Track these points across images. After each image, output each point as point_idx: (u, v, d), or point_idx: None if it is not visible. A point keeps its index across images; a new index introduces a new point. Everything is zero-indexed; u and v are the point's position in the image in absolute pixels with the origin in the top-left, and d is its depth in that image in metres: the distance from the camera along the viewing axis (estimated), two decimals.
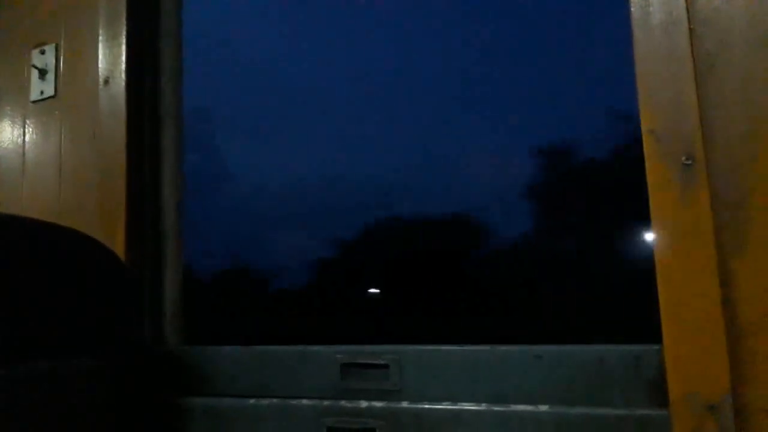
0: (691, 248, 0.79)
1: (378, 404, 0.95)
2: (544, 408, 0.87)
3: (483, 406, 0.90)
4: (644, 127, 0.84)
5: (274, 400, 1.01)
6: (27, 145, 1.32)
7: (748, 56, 0.81)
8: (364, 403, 0.96)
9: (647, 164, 0.83)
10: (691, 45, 0.83)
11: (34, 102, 1.33)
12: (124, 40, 1.24)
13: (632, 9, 0.87)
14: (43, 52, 1.33)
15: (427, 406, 0.93)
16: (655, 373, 0.83)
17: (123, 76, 1.22)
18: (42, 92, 1.32)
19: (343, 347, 1.01)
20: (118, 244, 1.15)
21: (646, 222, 0.85)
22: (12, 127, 1.35)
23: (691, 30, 0.83)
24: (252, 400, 1.03)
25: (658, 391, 0.82)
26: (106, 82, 1.23)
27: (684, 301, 0.79)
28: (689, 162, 0.81)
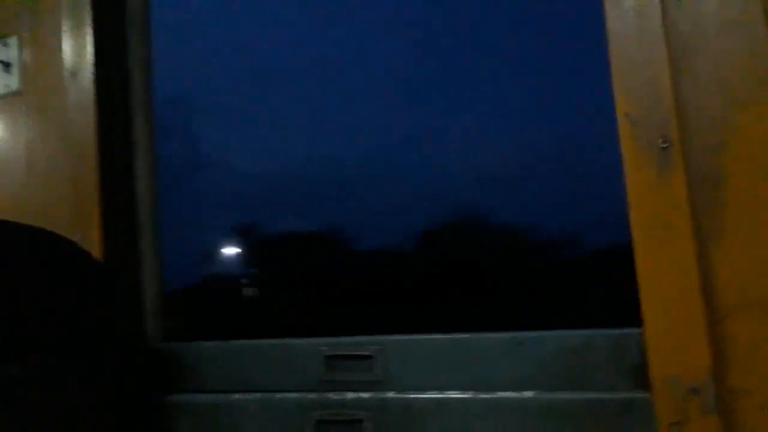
0: (669, 231, 0.80)
1: (364, 395, 0.96)
2: (528, 394, 0.88)
3: (469, 394, 0.91)
4: (619, 110, 0.84)
5: (259, 395, 1.01)
6: None
7: (722, 38, 0.81)
8: (350, 395, 0.96)
9: (622, 147, 0.83)
10: (665, 27, 0.83)
11: None
12: (89, 30, 1.20)
13: None
14: (5, 44, 1.28)
15: (413, 396, 0.94)
16: (637, 356, 0.84)
17: (90, 67, 1.19)
18: (7, 86, 1.28)
19: (327, 339, 1.00)
20: (93, 242, 1.13)
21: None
22: None
23: (664, 12, 0.83)
24: (236, 395, 1.02)
25: (640, 375, 0.83)
26: (74, 74, 1.20)
27: (663, 285, 0.79)
28: (665, 145, 0.81)
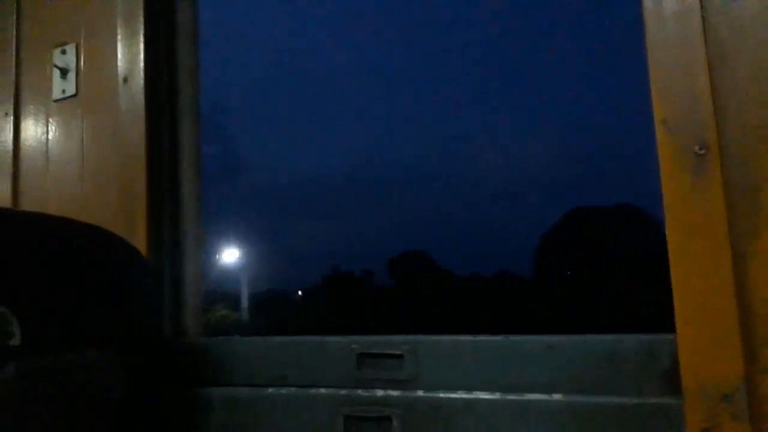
0: (704, 238, 0.79)
1: (394, 393, 0.97)
2: (557, 397, 0.88)
3: (497, 395, 0.91)
4: (657, 117, 0.84)
5: (292, 390, 1.03)
6: (50, 143, 1.35)
7: (762, 44, 0.80)
8: (380, 392, 0.98)
9: (660, 154, 0.83)
10: (704, 34, 0.83)
11: (56, 101, 1.36)
12: (141, 39, 1.26)
13: None
14: (64, 52, 1.36)
15: (442, 395, 0.94)
16: (668, 362, 0.84)
17: (141, 74, 1.25)
18: (64, 91, 1.35)
19: (359, 337, 1.02)
20: (139, 238, 1.18)
21: None
22: (35, 126, 1.38)
23: (703, 19, 0.83)
24: (270, 390, 1.05)
25: (671, 381, 0.82)
26: (125, 80, 1.26)
27: (697, 291, 0.79)
28: (702, 151, 0.81)
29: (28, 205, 1.34)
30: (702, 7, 0.83)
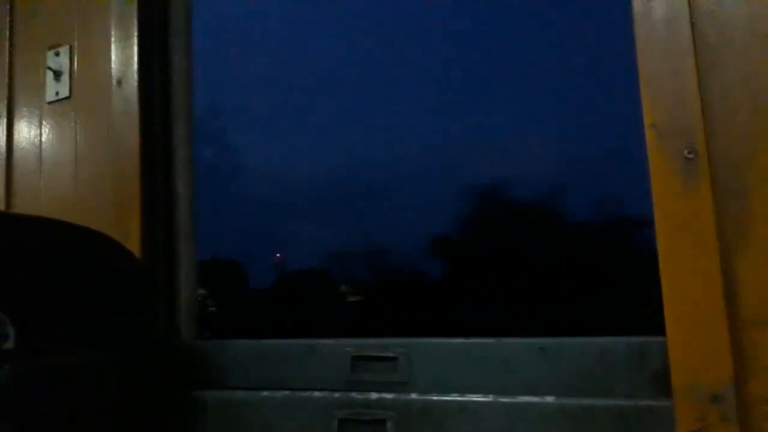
0: (693, 241, 0.80)
1: (387, 396, 0.98)
2: (549, 399, 0.89)
3: (490, 398, 0.92)
4: (646, 121, 0.85)
5: (286, 393, 1.04)
6: (44, 145, 1.35)
7: (750, 49, 0.81)
8: (374, 395, 0.98)
9: (649, 158, 0.84)
10: (693, 39, 0.83)
11: (49, 103, 1.36)
12: (135, 41, 1.26)
13: (634, 3, 0.87)
14: (57, 54, 1.36)
15: (435, 398, 0.95)
16: (659, 364, 0.84)
17: (135, 76, 1.25)
18: (57, 93, 1.35)
19: (353, 340, 1.03)
20: (132, 241, 1.18)
21: None
22: (29, 128, 1.38)
23: (692, 24, 0.84)
24: (265, 393, 1.05)
25: (661, 382, 0.83)
26: (119, 82, 1.26)
27: (686, 293, 0.80)
28: (691, 156, 0.82)
29: (21, 207, 1.34)
30: (691, 12, 0.84)
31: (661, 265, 0.82)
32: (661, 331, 0.82)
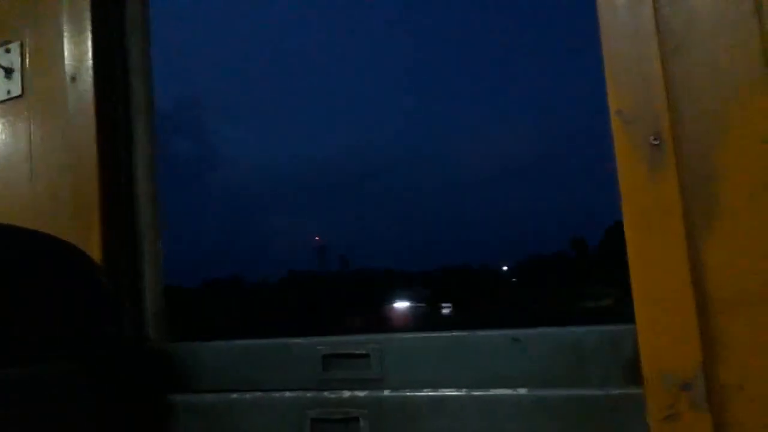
0: (661, 227, 0.80)
1: (360, 394, 0.96)
2: (523, 391, 0.89)
3: (464, 392, 0.91)
4: (612, 107, 0.84)
5: (258, 394, 1.02)
6: None
7: (714, 35, 0.81)
8: (346, 393, 0.97)
9: (615, 144, 0.84)
10: (657, 25, 0.83)
11: (1, 102, 1.30)
12: (89, 36, 1.21)
13: None
14: (8, 51, 1.30)
15: (409, 394, 0.94)
16: (631, 352, 0.85)
17: (90, 72, 1.20)
18: (9, 92, 1.30)
19: (324, 339, 1.01)
20: (93, 244, 1.14)
21: None
22: None
23: (656, 10, 0.83)
24: (235, 395, 1.03)
25: (634, 371, 0.83)
26: (73, 79, 1.21)
27: (655, 281, 0.80)
28: (657, 142, 0.81)
29: None
30: None
31: (629, 252, 0.82)
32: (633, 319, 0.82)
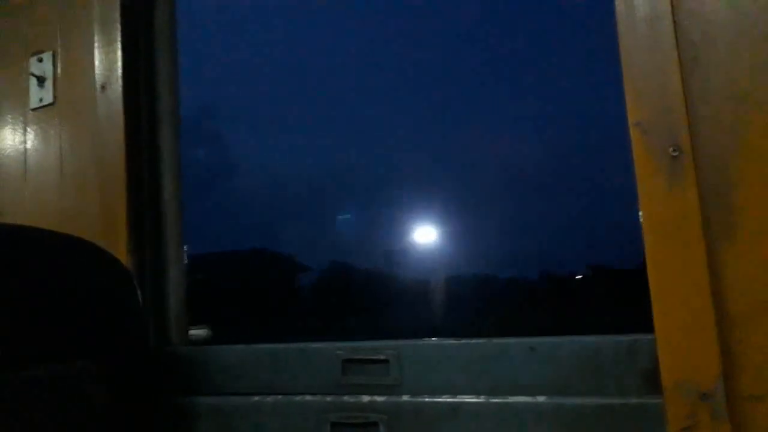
0: (680, 239, 0.80)
1: (379, 399, 0.97)
2: (541, 399, 0.89)
3: (482, 399, 0.92)
4: (631, 119, 0.85)
5: (278, 397, 1.03)
6: (28, 152, 1.34)
7: (733, 47, 0.82)
8: (365, 398, 0.98)
9: (635, 156, 0.85)
10: (676, 38, 0.84)
11: (33, 109, 1.34)
12: (119, 46, 1.25)
13: (616, 3, 0.88)
14: (40, 60, 1.34)
15: (427, 400, 0.95)
16: (648, 362, 0.85)
17: (119, 81, 1.24)
18: (41, 99, 1.34)
19: (344, 344, 1.03)
20: (120, 247, 1.17)
21: None
22: (13, 135, 1.36)
23: (675, 23, 0.84)
24: (256, 398, 1.05)
25: (652, 380, 0.83)
26: (103, 87, 1.25)
27: (674, 291, 0.80)
28: (676, 153, 0.82)
29: (6, 216, 1.32)
30: (673, 11, 0.84)
31: (648, 262, 0.82)
32: (650, 328, 0.82)
